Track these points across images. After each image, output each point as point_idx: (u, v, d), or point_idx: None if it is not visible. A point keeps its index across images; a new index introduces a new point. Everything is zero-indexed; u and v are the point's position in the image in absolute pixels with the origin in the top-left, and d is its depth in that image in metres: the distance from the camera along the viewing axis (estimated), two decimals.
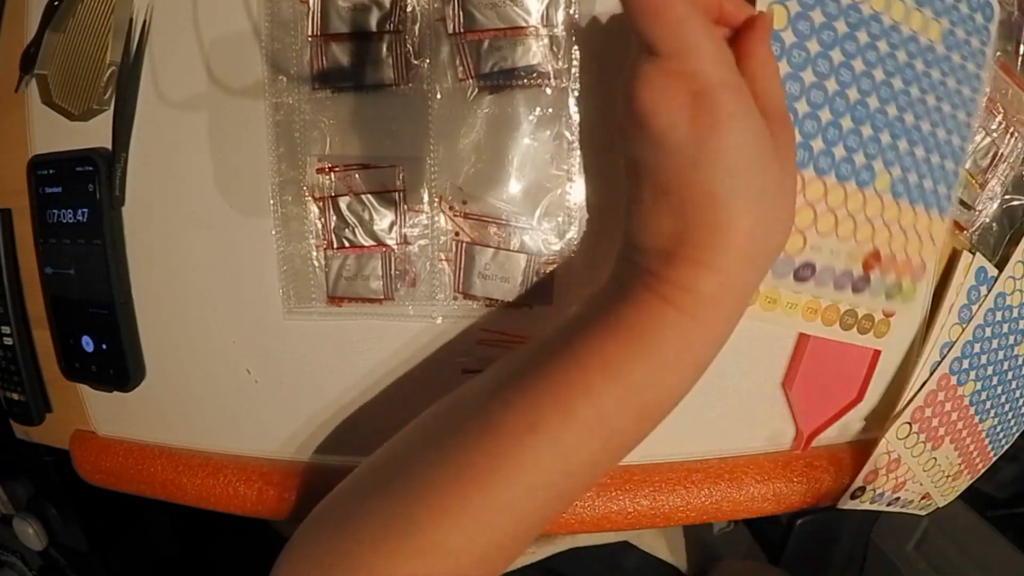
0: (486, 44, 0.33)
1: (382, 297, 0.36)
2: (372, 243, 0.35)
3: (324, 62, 0.34)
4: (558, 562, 0.45)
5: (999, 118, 0.37)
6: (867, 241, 0.34)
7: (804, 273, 0.34)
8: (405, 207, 0.35)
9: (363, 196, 0.35)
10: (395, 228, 0.35)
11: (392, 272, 0.35)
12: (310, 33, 0.33)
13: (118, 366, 0.39)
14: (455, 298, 0.35)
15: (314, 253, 0.36)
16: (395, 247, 0.35)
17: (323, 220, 0.35)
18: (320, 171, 0.35)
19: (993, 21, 0.35)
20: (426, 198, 0.35)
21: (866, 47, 0.32)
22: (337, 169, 0.35)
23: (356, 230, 0.35)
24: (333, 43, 0.33)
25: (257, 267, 0.37)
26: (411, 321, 0.36)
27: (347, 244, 0.35)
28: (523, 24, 0.32)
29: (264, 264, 0.36)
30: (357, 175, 0.35)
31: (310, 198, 0.35)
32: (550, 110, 0.33)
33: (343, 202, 0.35)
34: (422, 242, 0.35)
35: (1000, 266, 0.39)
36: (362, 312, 0.36)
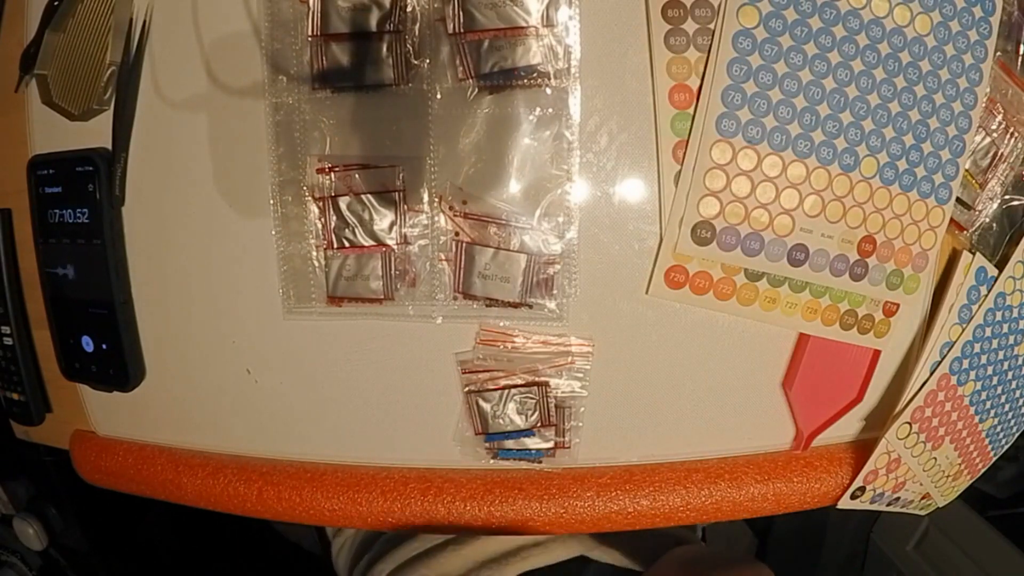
0: (486, 44, 0.33)
1: (382, 297, 0.36)
2: (372, 243, 0.35)
3: (324, 62, 0.34)
4: None
5: (999, 118, 0.37)
6: (859, 225, 0.35)
7: (798, 256, 0.35)
8: (405, 207, 0.35)
9: (363, 196, 0.35)
10: (395, 228, 0.35)
11: (392, 272, 0.35)
12: (310, 33, 0.33)
13: (118, 366, 0.39)
14: (455, 298, 0.35)
15: (314, 253, 0.36)
16: (395, 247, 0.35)
17: (323, 220, 0.35)
18: (320, 171, 0.35)
19: (994, 14, 0.35)
20: (426, 198, 0.34)
21: (843, 40, 0.33)
22: (337, 169, 0.35)
23: (356, 230, 0.35)
24: (333, 43, 0.33)
25: (257, 267, 0.37)
26: (411, 321, 0.36)
27: (347, 244, 0.35)
28: (523, 24, 0.32)
29: (264, 264, 0.36)
30: (357, 175, 0.35)
31: (310, 198, 0.35)
32: (550, 110, 0.33)
33: (343, 202, 0.35)
34: (422, 242, 0.35)
35: (1000, 266, 0.39)
36: (362, 312, 0.36)
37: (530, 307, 0.35)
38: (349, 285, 0.36)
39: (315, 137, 0.34)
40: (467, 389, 0.37)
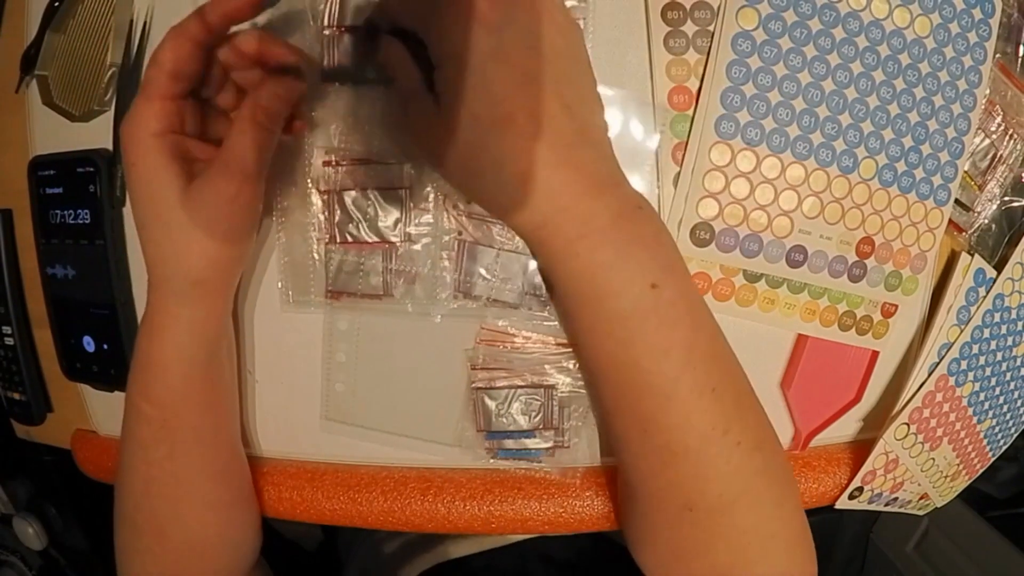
0: None
1: (381, 293, 0.36)
2: (375, 239, 0.35)
3: (335, 56, 0.34)
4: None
5: (998, 120, 0.38)
6: (858, 227, 0.35)
7: (796, 257, 0.35)
8: (411, 204, 0.35)
9: (369, 192, 0.35)
10: (399, 225, 0.35)
11: (393, 269, 0.35)
12: (325, 24, 0.33)
13: (119, 366, 0.39)
14: (455, 297, 0.36)
15: (315, 246, 0.36)
16: (399, 244, 0.35)
17: (326, 213, 0.35)
18: (327, 164, 0.35)
19: (994, 16, 0.35)
20: (432, 196, 0.34)
21: (843, 42, 0.33)
22: (344, 163, 0.35)
23: (360, 226, 0.35)
24: (346, 36, 0.33)
25: (258, 267, 0.37)
26: (410, 319, 0.36)
27: (350, 239, 0.35)
28: None
29: (265, 264, 0.36)
30: (364, 170, 0.34)
31: (314, 190, 0.35)
32: None
33: (348, 197, 0.35)
34: (425, 240, 0.35)
35: (999, 268, 0.39)
36: (361, 307, 0.36)
37: (530, 308, 0.35)
38: (349, 280, 0.36)
39: (322, 130, 0.34)
40: (474, 386, 0.37)
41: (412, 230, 0.35)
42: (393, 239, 0.35)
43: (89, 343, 0.40)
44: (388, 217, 0.35)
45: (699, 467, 0.28)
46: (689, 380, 0.27)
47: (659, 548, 0.32)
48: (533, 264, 0.35)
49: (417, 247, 0.35)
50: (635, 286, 0.27)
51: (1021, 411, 0.44)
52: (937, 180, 0.36)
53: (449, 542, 0.50)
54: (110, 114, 0.37)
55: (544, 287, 0.35)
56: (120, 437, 0.34)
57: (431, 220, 0.35)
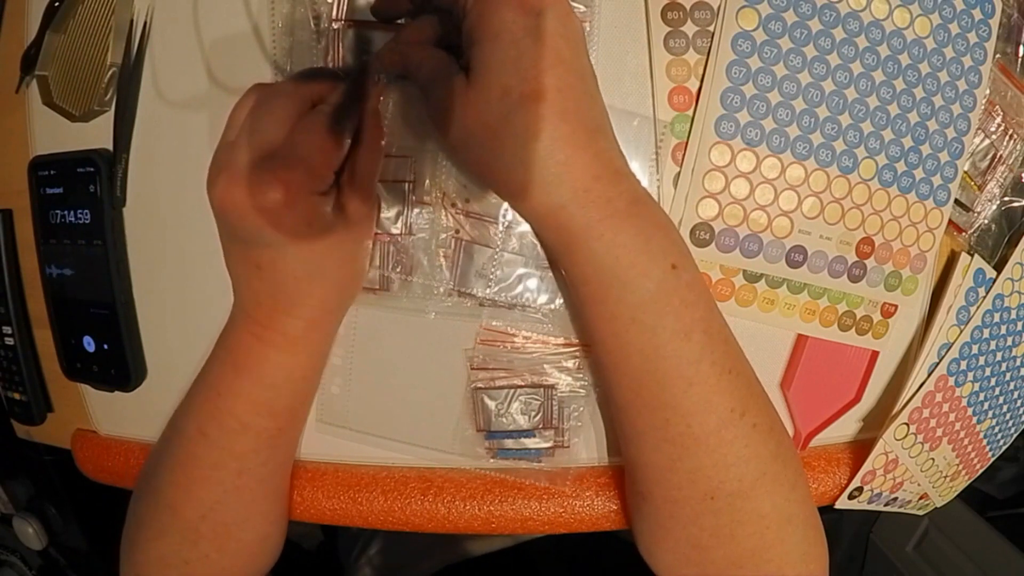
0: None
1: (377, 287, 0.36)
2: (376, 231, 0.35)
3: (342, 50, 0.33)
4: None
5: (998, 120, 0.38)
6: (857, 227, 0.35)
7: (796, 258, 0.35)
8: (413, 198, 0.35)
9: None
10: (400, 218, 0.35)
11: (389, 262, 0.35)
12: (334, 16, 0.33)
13: (119, 366, 0.39)
14: (449, 295, 0.35)
15: None
16: (399, 237, 0.35)
17: None
18: None
19: (994, 16, 0.35)
20: (433, 192, 0.34)
21: (843, 42, 0.33)
22: None
23: None
24: (353, 31, 0.33)
25: None
26: (407, 317, 0.36)
27: None
28: None
29: None
30: None
31: None
32: None
33: None
34: (423, 236, 0.35)
35: (998, 268, 0.39)
36: (358, 300, 0.36)
37: (524, 308, 0.35)
38: None
39: None
40: (474, 386, 0.37)
41: (412, 224, 0.35)
42: (394, 231, 0.35)
43: (89, 343, 0.40)
44: (390, 209, 0.35)
45: (719, 452, 0.28)
46: (709, 362, 0.28)
47: (677, 543, 0.32)
48: (530, 267, 0.35)
49: (415, 242, 0.35)
50: (658, 267, 0.27)
51: (1021, 411, 0.44)
52: (937, 180, 0.36)
53: (467, 540, 0.49)
54: (110, 114, 0.37)
55: (540, 292, 0.35)
56: (184, 453, 0.33)
57: (430, 216, 0.35)
